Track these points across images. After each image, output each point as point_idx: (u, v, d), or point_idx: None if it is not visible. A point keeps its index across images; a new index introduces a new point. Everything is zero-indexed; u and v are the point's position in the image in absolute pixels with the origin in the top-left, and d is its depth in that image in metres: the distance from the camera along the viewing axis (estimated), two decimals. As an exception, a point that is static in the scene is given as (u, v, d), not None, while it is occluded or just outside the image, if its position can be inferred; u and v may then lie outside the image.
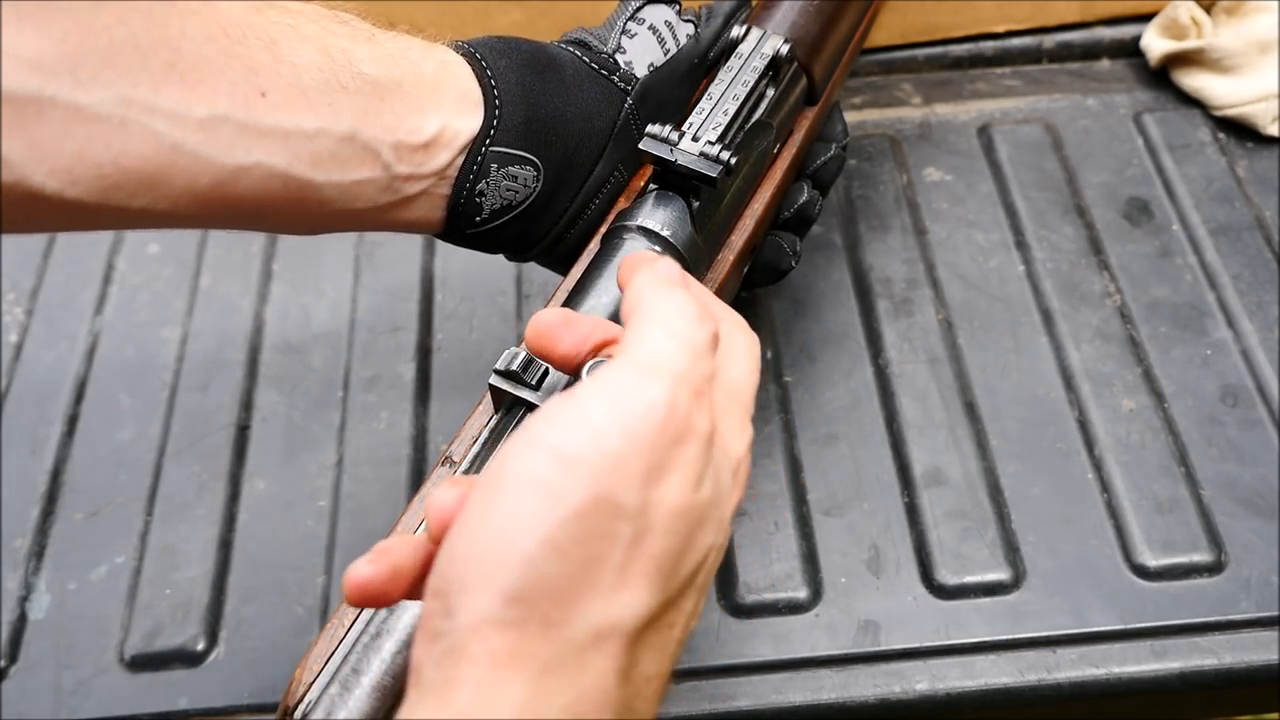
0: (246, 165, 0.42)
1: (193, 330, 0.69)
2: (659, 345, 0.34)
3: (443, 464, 0.43)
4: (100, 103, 0.38)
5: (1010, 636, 0.55)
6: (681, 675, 0.55)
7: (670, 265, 0.38)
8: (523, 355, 0.42)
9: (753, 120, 0.51)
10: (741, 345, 0.39)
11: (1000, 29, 0.81)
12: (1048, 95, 0.79)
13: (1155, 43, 0.78)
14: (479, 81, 0.48)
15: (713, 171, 0.46)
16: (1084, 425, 0.62)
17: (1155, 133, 0.76)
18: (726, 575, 0.58)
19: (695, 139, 0.47)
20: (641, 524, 0.32)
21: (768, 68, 0.52)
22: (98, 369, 0.68)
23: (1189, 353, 0.65)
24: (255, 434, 0.65)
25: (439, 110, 0.47)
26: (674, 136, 0.46)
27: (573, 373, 0.38)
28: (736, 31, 0.53)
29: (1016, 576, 0.57)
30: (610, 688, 0.32)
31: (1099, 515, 0.59)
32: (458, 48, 0.49)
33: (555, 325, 0.38)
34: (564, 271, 0.50)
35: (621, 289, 0.39)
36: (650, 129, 0.46)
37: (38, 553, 0.60)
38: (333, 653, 0.39)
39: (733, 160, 0.46)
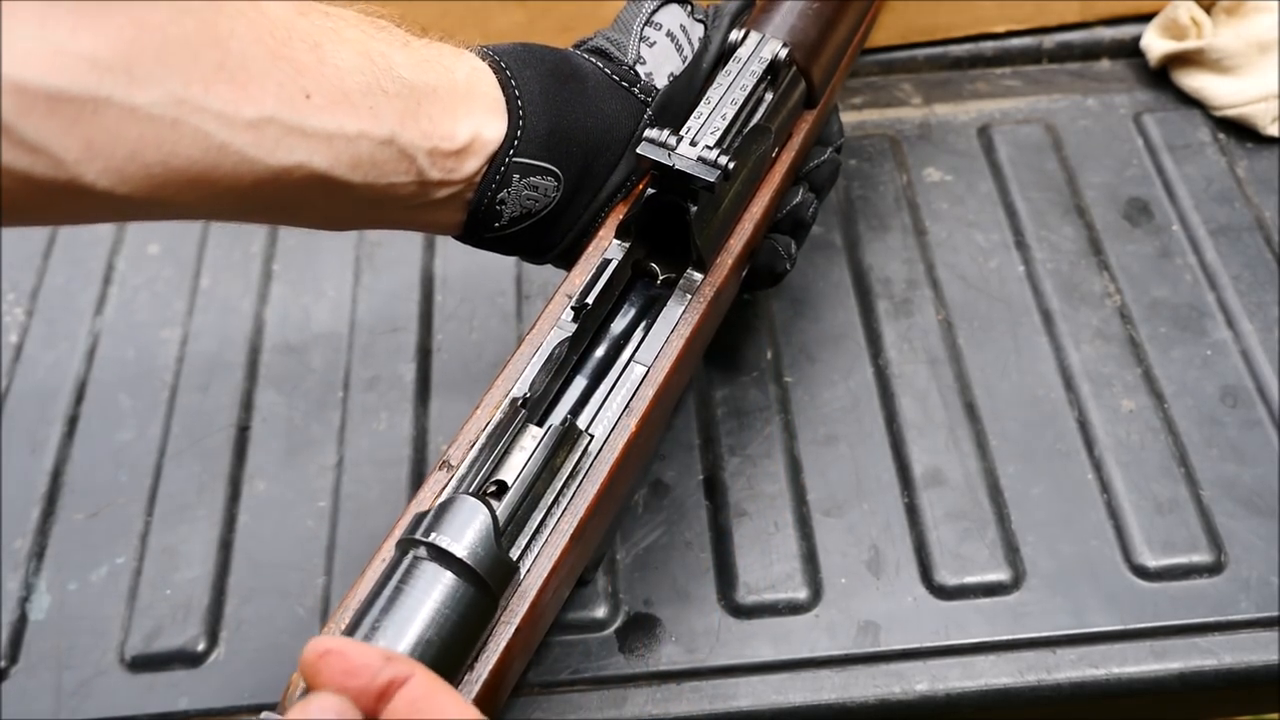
0: (289, 166, 0.42)
1: (193, 331, 0.69)
2: None
3: (440, 469, 0.43)
4: (154, 102, 0.38)
5: (1010, 637, 0.55)
6: (681, 675, 0.55)
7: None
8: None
9: (751, 124, 0.51)
10: None
11: (1000, 29, 0.81)
12: (1048, 95, 0.79)
13: (1155, 43, 0.78)
14: (504, 91, 0.48)
15: (711, 176, 0.45)
16: (1084, 425, 0.62)
17: (1155, 133, 0.76)
18: (726, 575, 0.58)
19: (693, 143, 0.46)
20: None
21: (766, 71, 0.51)
22: (98, 369, 0.68)
23: (1189, 353, 0.65)
24: (255, 435, 0.65)
25: (471, 117, 0.47)
26: (672, 141, 0.46)
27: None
28: (735, 35, 0.53)
29: (1016, 577, 0.57)
30: None
31: (1099, 515, 0.59)
32: (483, 55, 0.49)
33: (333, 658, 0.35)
34: (569, 271, 0.50)
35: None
36: (648, 133, 0.46)
37: (38, 553, 0.60)
38: None
39: (731, 165, 0.46)
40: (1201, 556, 0.57)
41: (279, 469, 0.63)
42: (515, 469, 0.42)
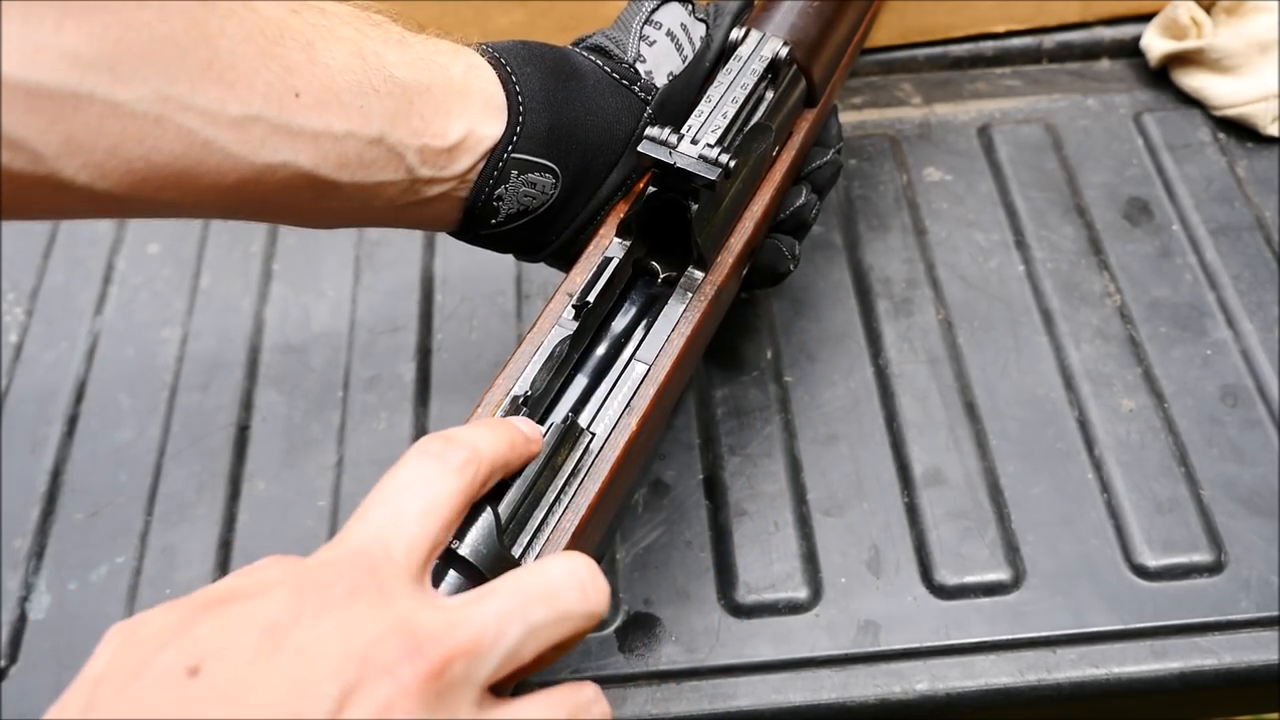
0: (274, 164, 0.42)
1: (193, 330, 0.69)
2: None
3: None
4: (137, 99, 0.38)
5: (1010, 636, 0.55)
6: (681, 675, 0.55)
7: None
8: None
9: (752, 123, 0.51)
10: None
11: (1000, 29, 0.81)
12: (1048, 95, 0.79)
13: (1155, 43, 0.78)
14: (504, 88, 0.48)
15: (711, 174, 0.45)
16: (1084, 425, 0.62)
17: (1155, 133, 0.76)
18: (726, 575, 0.58)
19: (694, 141, 0.46)
20: None
21: (767, 70, 0.51)
22: (98, 369, 0.68)
23: (1189, 353, 0.65)
24: (255, 434, 0.65)
25: (465, 115, 0.47)
26: (673, 139, 0.46)
27: None
28: (736, 34, 0.53)
29: (1016, 576, 0.57)
30: None
31: (1099, 515, 0.59)
32: (483, 52, 0.49)
33: None
34: (568, 270, 0.50)
35: None
36: (649, 131, 0.46)
37: (38, 553, 0.60)
38: None
39: (732, 163, 0.46)
40: (1201, 556, 0.57)
41: (279, 468, 0.63)
42: None
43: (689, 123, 0.48)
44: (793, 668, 0.55)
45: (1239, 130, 0.76)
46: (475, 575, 0.38)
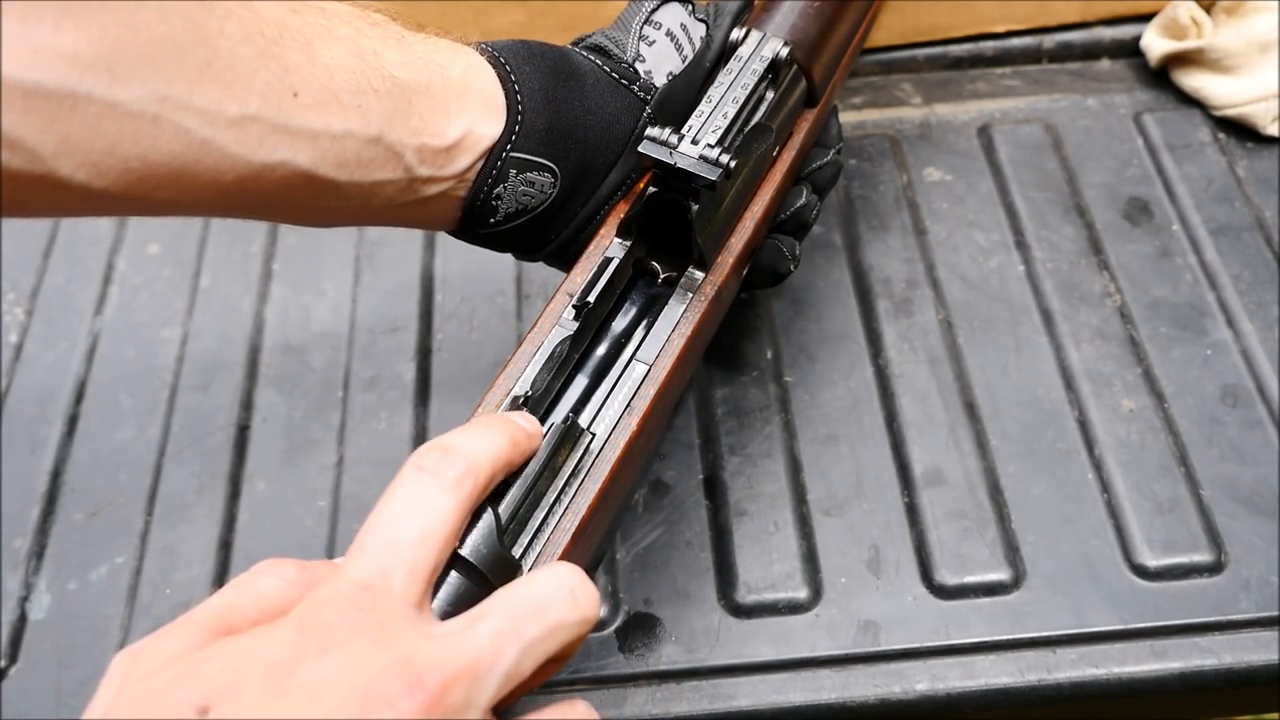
0: (272, 163, 0.42)
1: (193, 330, 0.69)
2: None
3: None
4: (135, 99, 0.38)
5: (1010, 636, 0.55)
6: (681, 675, 0.55)
7: None
8: None
9: (752, 123, 0.51)
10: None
11: (1000, 29, 0.81)
12: (1048, 95, 0.79)
13: (1155, 43, 0.78)
14: (503, 87, 0.48)
15: (712, 175, 0.45)
16: (1084, 425, 0.62)
17: (1155, 133, 0.76)
18: (726, 575, 0.58)
19: (695, 141, 0.46)
20: None
21: (767, 70, 0.52)
22: (98, 369, 0.68)
23: (1189, 353, 0.65)
24: (255, 434, 0.65)
25: (463, 114, 0.47)
26: (673, 139, 0.46)
27: None
28: (736, 34, 0.53)
29: (1016, 576, 0.57)
30: None
31: (1099, 515, 0.59)
32: (483, 51, 0.49)
33: None
34: (568, 270, 0.50)
35: None
36: (650, 131, 0.46)
37: (38, 553, 0.60)
38: None
39: (732, 163, 0.46)
40: (1201, 556, 0.57)
41: (279, 468, 0.63)
42: None
43: (689, 123, 0.48)
44: (793, 668, 0.55)
45: (1239, 130, 0.76)
46: (476, 575, 0.38)
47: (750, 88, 0.50)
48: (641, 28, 0.52)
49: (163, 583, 0.59)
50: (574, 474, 0.43)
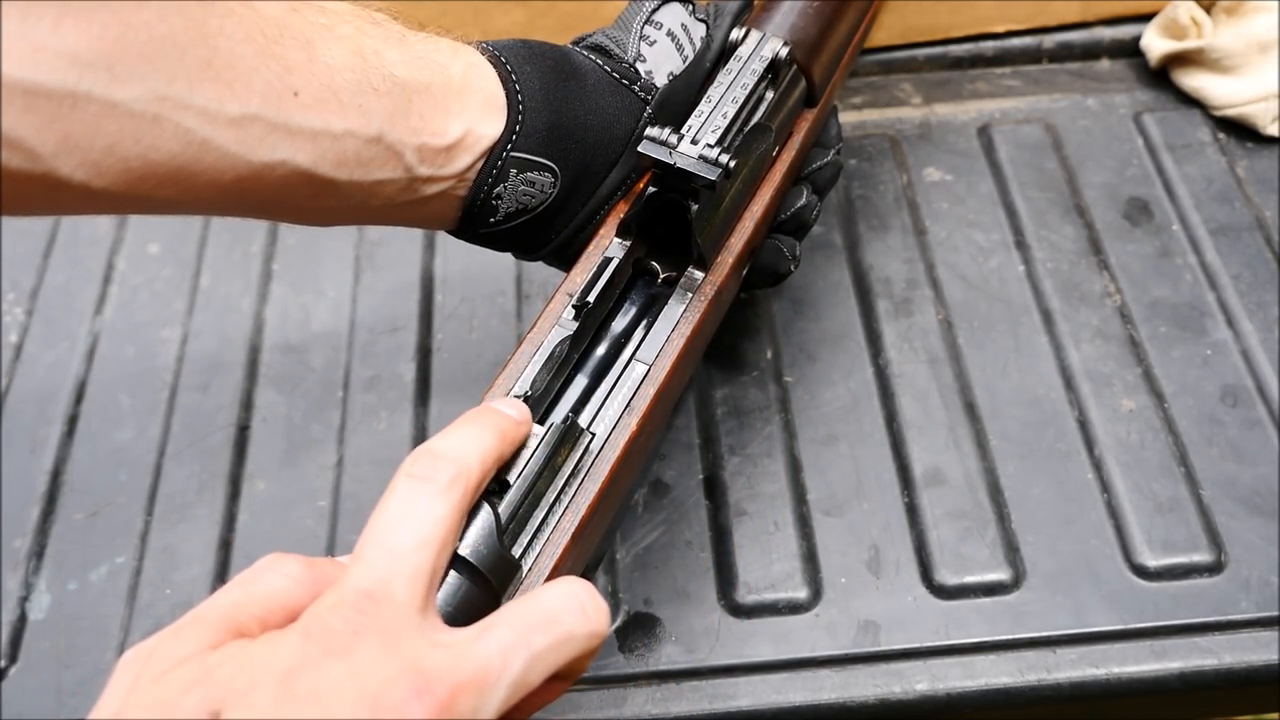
0: (272, 162, 0.42)
1: (193, 330, 0.69)
2: None
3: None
4: (135, 99, 0.38)
5: (1010, 636, 0.55)
6: (681, 675, 0.55)
7: None
8: None
9: (752, 123, 0.51)
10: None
11: (1000, 29, 0.81)
12: (1048, 95, 0.79)
13: (1155, 43, 0.78)
14: (504, 86, 0.48)
15: (711, 174, 0.45)
16: (1084, 425, 0.62)
17: (1155, 133, 0.76)
18: (726, 575, 0.58)
19: (694, 141, 0.46)
20: None
21: (767, 70, 0.51)
22: (98, 369, 0.68)
23: (1189, 353, 0.65)
24: (255, 434, 0.65)
25: (464, 114, 0.47)
26: (673, 139, 0.46)
27: None
28: (736, 34, 0.53)
29: (1016, 576, 0.57)
30: None
31: (1099, 515, 0.59)
32: (484, 50, 0.49)
33: None
34: (568, 270, 0.50)
35: None
36: (649, 131, 0.46)
37: (38, 553, 0.60)
38: None
39: (732, 163, 0.46)
40: (1201, 556, 0.57)
41: (279, 468, 0.63)
42: (517, 467, 0.42)
43: (689, 123, 0.48)
44: (793, 668, 0.55)
45: (1239, 130, 0.76)
46: (477, 576, 0.38)
47: (750, 88, 0.50)
48: (642, 27, 0.52)
49: (163, 583, 0.59)
50: (574, 474, 0.43)
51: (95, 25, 0.37)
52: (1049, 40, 0.81)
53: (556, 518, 0.42)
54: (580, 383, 0.47)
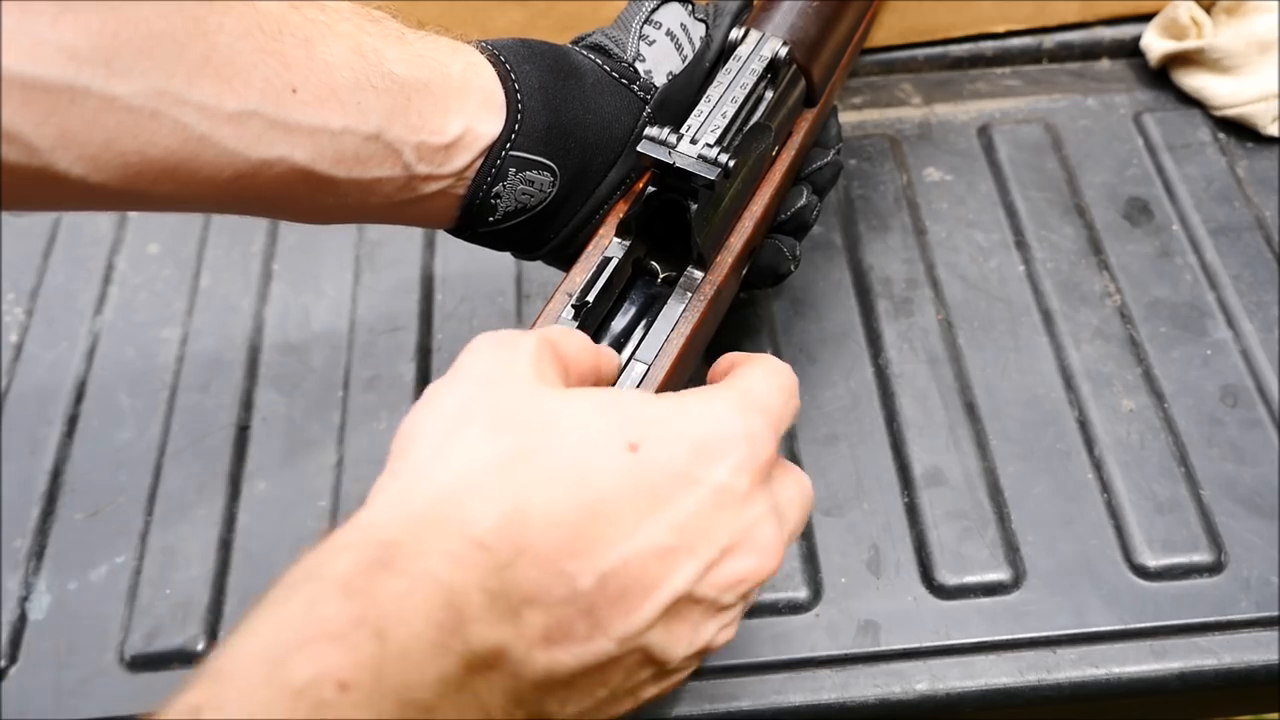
0: (270, 159, 0.42)
1: (193, 330, 0.69)
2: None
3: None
4: (133, 94, 0.38)
5: (1010, 636, 0.55)
6: (681, 675, 0.55)
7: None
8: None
9: (751, 122, 0.51)
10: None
11: (1000, 29, 0.81)
12: (1048, 95, 0.79)
13: (1155, 43, 0.78)
14: (503, 85, 0.48)
15: (711, 174, 0.46)
16: (1084, 425, 0.62)
17: (1155, 133, 0.76)
18: (726, 575, 0.58)
19: (693, 141, 0.46)
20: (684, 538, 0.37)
21: (766, 70, 0.51)
22: (98, 369, 0.68)
23: (1189, 353, 0.65)
24: (255, 434, 0.65)
25: (463, 112, 0.47)
26: (672, 139, 0.46)
27: None
28: (735, 33, 0.53)
29: (1016, 576, 0.57)
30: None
31: (1099, 515, 0.59)
32: (483, 49, 0.49)
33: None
34: (567, 269, 0.50)
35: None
36: (648, 131, 0.46)
37: (38, 553, 0.60)
38: None
39: (731, 163, 0.46)
40: (1201, 556, 0.57)
41: (279, 468, 0.63)
42: None
43: (688, 122, 0.48)
44: (793, 668, 0.55)
45: (1239, 130, 0.76)
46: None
47: (749, 87, 0.50)
48: (641, 27, 0.52)
49: (163, 582, 0.59)
50: None
51: (94, 20, 0.37)
52: (1049, 40, 0.81)
53: None
54: None
